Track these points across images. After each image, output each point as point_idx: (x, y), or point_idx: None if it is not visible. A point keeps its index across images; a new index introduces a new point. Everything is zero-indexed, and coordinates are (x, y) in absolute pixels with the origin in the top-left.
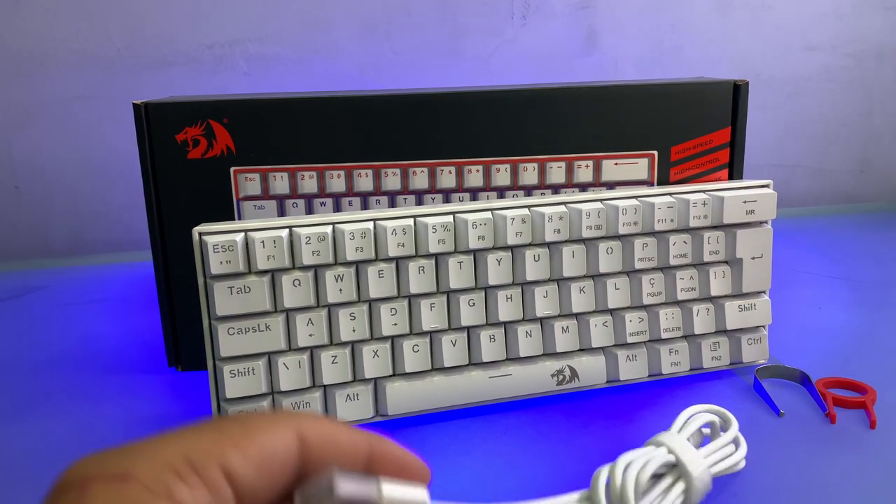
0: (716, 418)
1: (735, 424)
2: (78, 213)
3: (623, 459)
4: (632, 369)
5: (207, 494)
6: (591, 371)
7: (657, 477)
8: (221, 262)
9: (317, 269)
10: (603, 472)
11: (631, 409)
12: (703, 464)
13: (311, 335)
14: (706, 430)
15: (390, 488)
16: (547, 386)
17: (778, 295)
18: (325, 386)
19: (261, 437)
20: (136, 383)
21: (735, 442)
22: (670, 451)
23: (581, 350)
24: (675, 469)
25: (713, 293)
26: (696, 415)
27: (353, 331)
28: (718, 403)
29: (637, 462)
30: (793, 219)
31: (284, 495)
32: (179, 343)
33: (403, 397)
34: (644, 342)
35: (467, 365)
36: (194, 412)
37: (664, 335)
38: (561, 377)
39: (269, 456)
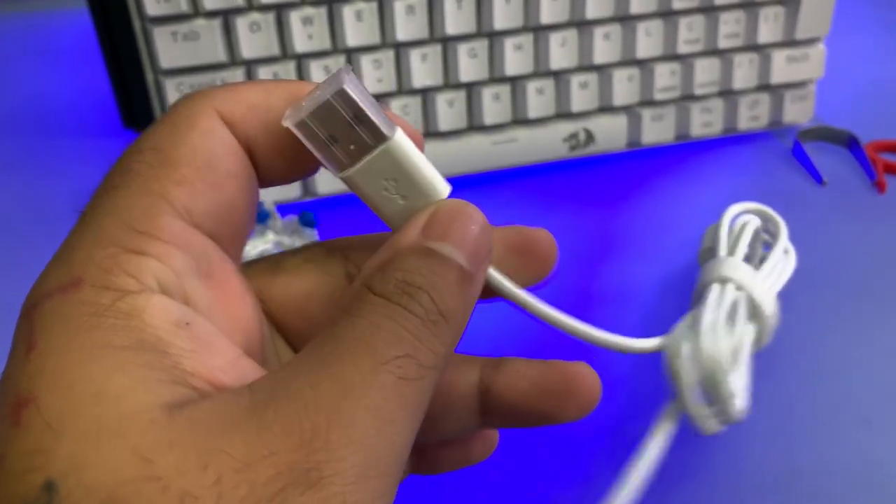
0: (758, 220)
1: (784, 230)
2: None
3: (707, 321)
4: (657, 130)
5: (180, 254)
6: (610, 133)
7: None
8: (159, 1)
9: (279, 10)
10: (684, 344)
11: (652, 176)
12: (773, 296)
13: None
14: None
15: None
16: (558, 151)
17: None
18: None
19: (182, 152)
20: (89, 148)
21: (785, 250)
22: (739, 288)
23: (600, 109)
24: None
25: (760, 41)
26: (745, 223)
27: None
28: (754, 170)
29: (720, 323)
30: None
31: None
32: (133, 101)
33: None
34: (674, 99)
35: (467, 129)
36: None
37: (698, 91)
38: (575, 141)
39: (207, 164)
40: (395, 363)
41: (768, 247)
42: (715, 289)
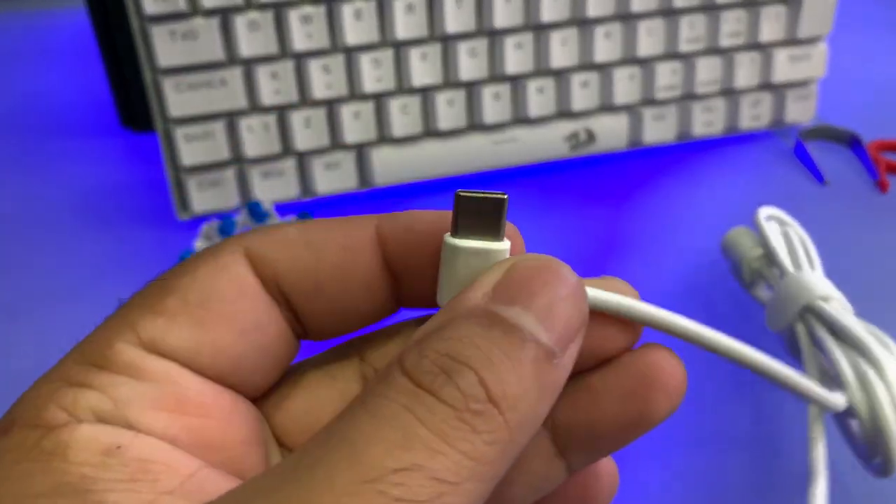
0: (788, 225)
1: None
2: None
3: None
4: (658, 130)
5: (128, 382)
6: (611, 133)
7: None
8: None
9: (278, 8)
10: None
11: (654, 176)
12: None
13: (277, 92)
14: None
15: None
16: (559, 151)
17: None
18: (299, 153)
19: (183, 282)
20: (87, 147)
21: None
22: (842, 305)
23: (601, 109)
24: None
25: (762, 39)
26: (785, 232)
27: (329, 87)
28: (755, 169)
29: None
30: None
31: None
32: (131, 101)
33: (392, 165)
34: (675, 98)
35: (467, 128)
36: (152, 179)
37: (699, 90)
38: (575, 140)
39: (201, 299)
40: (391, 479)
41: None
42: (847, 318)
